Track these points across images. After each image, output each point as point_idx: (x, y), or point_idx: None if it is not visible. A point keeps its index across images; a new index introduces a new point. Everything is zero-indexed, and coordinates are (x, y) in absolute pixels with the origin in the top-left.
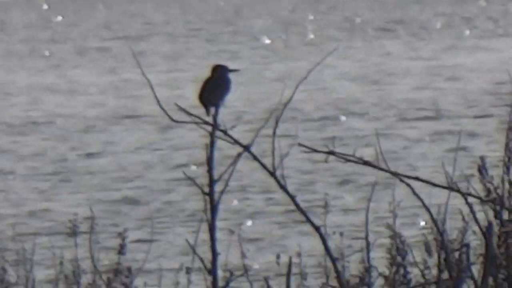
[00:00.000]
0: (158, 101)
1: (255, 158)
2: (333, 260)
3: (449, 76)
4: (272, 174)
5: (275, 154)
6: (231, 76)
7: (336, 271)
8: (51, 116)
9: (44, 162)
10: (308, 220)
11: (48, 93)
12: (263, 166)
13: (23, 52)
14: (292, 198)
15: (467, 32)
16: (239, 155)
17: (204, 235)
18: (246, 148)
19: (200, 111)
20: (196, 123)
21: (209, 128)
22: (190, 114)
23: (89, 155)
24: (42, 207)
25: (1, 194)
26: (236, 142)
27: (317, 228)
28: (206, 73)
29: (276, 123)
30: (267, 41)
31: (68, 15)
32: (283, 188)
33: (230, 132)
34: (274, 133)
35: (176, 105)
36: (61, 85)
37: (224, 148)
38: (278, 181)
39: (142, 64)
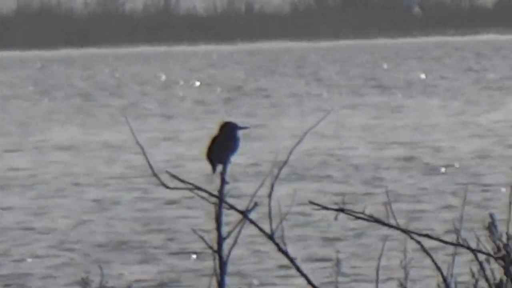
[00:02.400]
0: (151, 168)
1: (252, 222)
2: None
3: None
4: (270, 237)
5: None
6: (239, 133)
7: None
8: None
9: None
10: (309, 283)
11: None
12: (261, 230)
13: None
14: (292, 261)
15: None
16: (240, 221)
17: None
18: (244, 214)
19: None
20: (190, 189)
21: (216, 186)
22: (184, 181)
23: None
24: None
25: None
26: (232, 208)
27: None
28: (214, 130)
29: (272, 186)
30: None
31: None
32: (282, 251)
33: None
34: (270, 195)
35: (168, 173)
36: None
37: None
38: (277, 244)
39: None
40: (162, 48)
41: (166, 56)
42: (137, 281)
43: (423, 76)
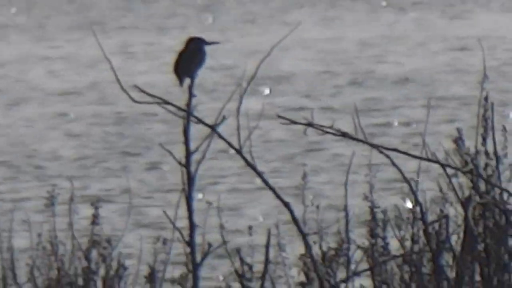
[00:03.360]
0: (119, 83)
1: (221, 137)
2: (304, 236)
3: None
4: (238, 151)
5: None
6: (206, 48)
7: (306, 246)
8: None
9: None
10: (278, 197)
11: None
12: (229, 144)
13: None
14: (260, 175)
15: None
16: (207, 136)
17: (182, 208)
18: (213, 128)
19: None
20: (158, 103)
21: (185, 100)
22: (152, 96)
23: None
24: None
25: None
26: (201, 122)
27: (286, 204)
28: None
29: (240, 100)
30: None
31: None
32: (250, 165)
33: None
34: (238, 110)
35: (136, 87)
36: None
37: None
38: (244, 158)
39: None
40: None
41: None
42: (106, 191)
43: None
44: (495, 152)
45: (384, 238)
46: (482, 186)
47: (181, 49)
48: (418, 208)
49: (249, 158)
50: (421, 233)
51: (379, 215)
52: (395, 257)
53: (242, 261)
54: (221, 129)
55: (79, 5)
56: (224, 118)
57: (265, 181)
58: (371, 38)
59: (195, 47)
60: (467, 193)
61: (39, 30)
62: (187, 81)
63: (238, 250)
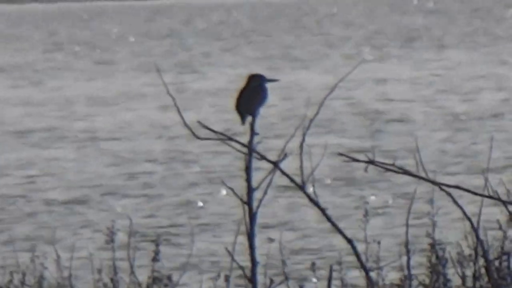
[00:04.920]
0: (183, 119)
1: (283, 173)
2: (367, 272)
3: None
4: (301, 188)
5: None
6: (268, 85)
7: (369, 283)
8: None
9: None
10: (340, 233)
11: None
12: (292, 180)
13: None
14: (323, 211)
15: None
16: (270, 172)
17: (244, 244)
18: (275, 164)
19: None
20: (221, 139)
21: (246, 138)
22: (215, 132)
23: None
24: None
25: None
26: (263, 158)
27: (349, 241)
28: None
29: (303, 137)
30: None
31: None
32: (313, 201)
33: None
34: (301, 146)
35: (199, 124)
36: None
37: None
38: (307, 195)
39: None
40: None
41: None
42: (169, 227)
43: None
44: None
45: (445, 275)
46: None
47: (242, 87)
48: (479, 245)
49: (312, 195)
50: (482, 270)
51: (440, 252)
52: None
53: None
54: (283, 165)
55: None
56: (286, 155)
57: (328, 218)
58: None
59: (256, 84)
60: None
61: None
62: (249, 118)
63: (301, 287)
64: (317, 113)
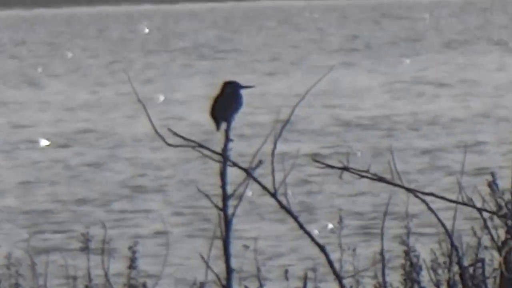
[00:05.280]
0: (153, 126)
1: (256, 180)
2: (340, 280)
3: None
4: (273, 195)
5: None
6: (243, 92)
7: None
8: None
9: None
10: (313, 240)
11: None
12: (264, 188)
13: None
14: (295, 218)
15: None
16: (245, 179)
17: (218, 251)
18: (247, 171)
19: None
20: (191, 146)
21: (221, 144)
22: (186, 139)
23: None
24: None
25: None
26: (235, 165)
27: (321, 247)
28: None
29: (275, 144)
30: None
31: None
32: (285, 208)
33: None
34: (273, 153)
35: (170, 131)
36: None
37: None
38: (279, 202)
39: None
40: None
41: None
42: (140, 236)
43: None
44: None
45: (419, 282)
46: None
47: (217, 93)
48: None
49: (284, 202)
50: (457, 277)
51: (415, 259)
52: None
53: None
54: (257, 173)
55: None
56: (260, 161)
57: (300, 225)
58: None
59: (230, 91)
60: (502, 237)
61: None
62: (223, 125)
63: None
64: (288, 120)
